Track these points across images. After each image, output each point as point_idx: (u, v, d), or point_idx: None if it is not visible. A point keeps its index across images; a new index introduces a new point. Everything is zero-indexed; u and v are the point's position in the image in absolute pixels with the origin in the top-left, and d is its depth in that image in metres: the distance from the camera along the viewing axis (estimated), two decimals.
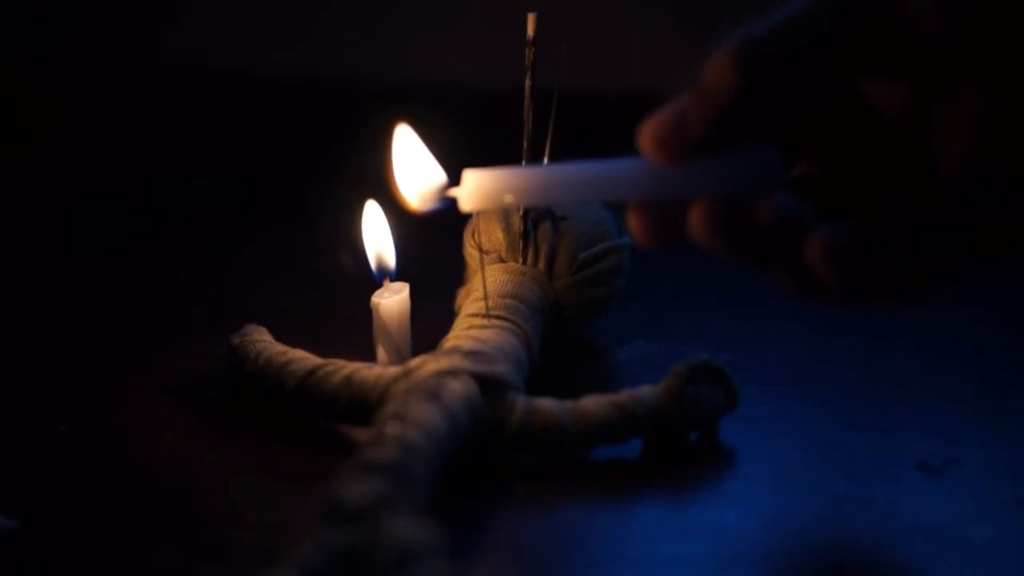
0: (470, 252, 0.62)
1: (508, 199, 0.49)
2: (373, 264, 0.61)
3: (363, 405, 0.53)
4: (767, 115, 0.46)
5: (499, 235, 0.61)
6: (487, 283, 0.59)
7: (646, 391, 0.53)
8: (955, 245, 0.45)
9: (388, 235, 0.61)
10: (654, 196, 0.47)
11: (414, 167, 0.55)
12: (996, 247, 0.46)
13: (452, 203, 0.51)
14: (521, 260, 0.61)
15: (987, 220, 0.45)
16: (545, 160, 0.61)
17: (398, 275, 0.61)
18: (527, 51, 0.59)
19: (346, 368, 0.55)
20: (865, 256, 0.45)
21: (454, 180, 0.51)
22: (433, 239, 0.68)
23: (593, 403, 0.53)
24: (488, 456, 0.53)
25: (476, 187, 0.49)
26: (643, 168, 0.47)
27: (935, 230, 0.45)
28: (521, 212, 0.60)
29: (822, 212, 0.46)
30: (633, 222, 0.48)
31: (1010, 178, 0.44)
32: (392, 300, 0.60)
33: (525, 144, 0.60)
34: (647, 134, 0.46)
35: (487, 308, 0.58)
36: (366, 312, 0.60)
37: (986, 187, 0.45)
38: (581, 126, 0.62)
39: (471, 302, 0.59)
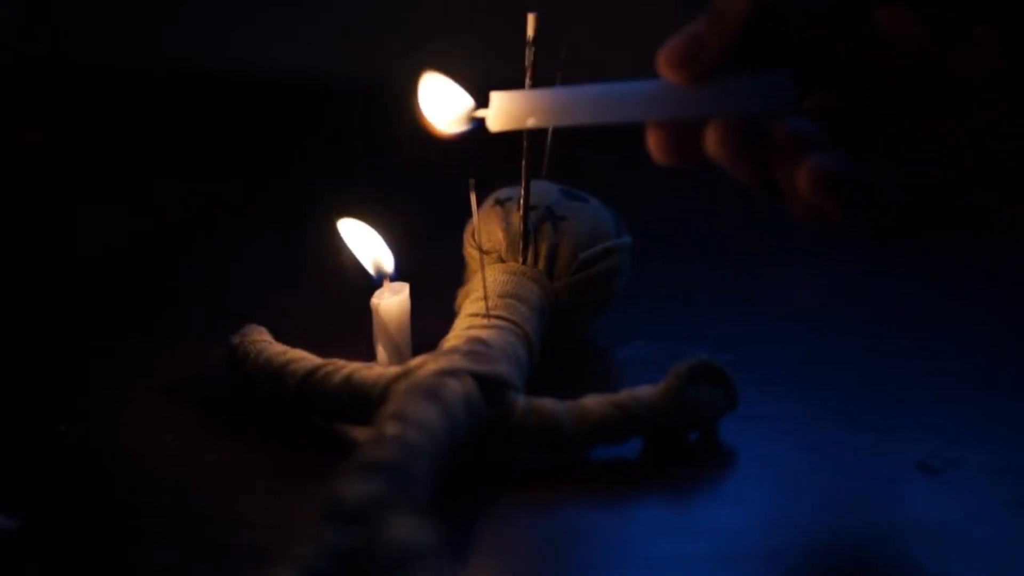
0: (470, 252, 0.62)
1: (531, 121, 0.51)
2: (371, 271, 0.61)
3: (363, 405, 0.53)
4: (780, 39, 0.48)
5: (499, 235, 0.61)
6: (487, 283, 0.59)
7: (646, 391, 0.53)
8: (962, 185, 0.46)
9: (379, 241, 0.61)
10: (672, 116, 0.49)
11: (440, 94, 0.56)
12: (1007, 193, 0.46)
13: (480, 125, 0.53)
14: (521, 260, 0.61)
15: (995, 163, 0.46)
16: (544, 160, 0.62)
17: (398, 275, 0.61)
18: (527, 51, 0.59)
19: (346, 368, 0.55)
20: (859, 183, 0.45)
21: (482, 102, 0.53)
22: (432, 239, 0.68)
23: (593, 403, 0.53)
24: (488, 456, 0.53)
25: (502, 108, 0.51)
26: (662, 89, 0.49)
27: (939, 168, 0.46)
28: (521, 212, 0.60)
29: (836, 141, 0.47)
30: (652, 140, 0.49)
31: (1018, 124, 0.45)
32: (392, 300, 0.60)
33: (525, 145, 0.60)
34: (665, 57, 0.48)
35: (487, 308, 0.58)
36: (366, 312, 0.60)
37: (994, 130, 0.45)
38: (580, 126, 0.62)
39: (471, 302, 0.59)
